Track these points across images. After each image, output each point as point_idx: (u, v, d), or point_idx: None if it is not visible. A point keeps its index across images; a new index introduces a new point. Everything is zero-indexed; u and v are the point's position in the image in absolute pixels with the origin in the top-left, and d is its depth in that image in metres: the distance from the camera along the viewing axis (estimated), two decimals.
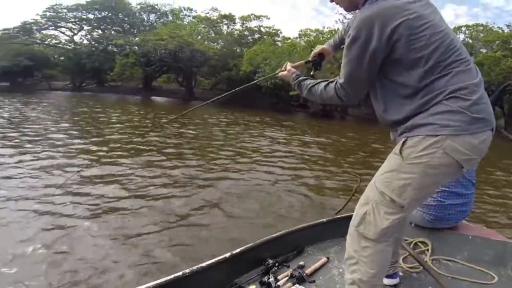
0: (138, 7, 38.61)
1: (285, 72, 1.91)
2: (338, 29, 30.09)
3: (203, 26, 33.40)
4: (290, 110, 26.08)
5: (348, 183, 6.79)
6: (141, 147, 9.00)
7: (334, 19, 34.55)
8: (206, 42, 30.86)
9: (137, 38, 31.28)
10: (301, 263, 2.25)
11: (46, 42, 37.83)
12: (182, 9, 39.45)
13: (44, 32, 37.27)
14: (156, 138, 10.35)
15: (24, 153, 7.55)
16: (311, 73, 1.95)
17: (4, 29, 34.67)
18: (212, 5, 54.17)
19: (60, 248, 3.55)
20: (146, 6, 38.43)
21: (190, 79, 32.43)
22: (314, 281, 2.05)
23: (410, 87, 1.41)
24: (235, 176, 6.88)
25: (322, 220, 2.68)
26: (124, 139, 10.28)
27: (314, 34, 28.18)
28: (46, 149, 8.15)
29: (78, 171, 6.36)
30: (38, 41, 37.23)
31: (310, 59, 2.06)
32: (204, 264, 1.92)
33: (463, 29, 26.58)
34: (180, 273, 1.80)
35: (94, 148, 8.80)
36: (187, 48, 28.04)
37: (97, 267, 3.24)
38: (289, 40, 29.41)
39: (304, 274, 2.09)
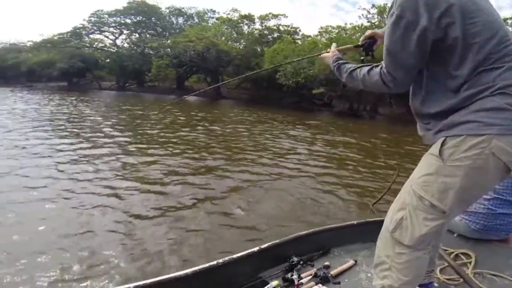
0: (167, 11, 36.46)
1: (326, 53, 1.60)
2: (362, 24, 27.46)
3: (225, 27, 30.59)
4: (313, 109, 22.58)
5: (377, 184, 5.83)
6: (174, 140, 8.88)
7: (357, 14, 31.41)
8: (229, 43, 28.30)
9: (168, 41, 29.27)
10: (327, 263, 1.98)
11: (94, 46, 36.54)
12: (206, 11, 36.86)
13: (91, 36, 36.35)
14: (185, 134, 10.16)
15: (81, 142, 8.01)
16: (362, 58, 1.56)
17: (59, 34, 34.63)
18: (232, 6, 51.84)
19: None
20: (174, 10, 36.18)
21: (217, 78, 29.62)
22: (338, 283, 1.83)
23: (456, 78, 1.12)
24: (259, 173, 6.22)
25: (352, 222, 2.38)
26: (158, 133, 10.07)
27: (336, 31, 24.29)
28: (97, 139, 8.51)
29: (118, 159, 6.47)
30: (87, 44, 36.15)
31: (360, 43, 1.60)
32: (234, 256, 1.81)
33: (509, 21, 22.13)
34: (214, 262, 1.73)
35: (134, 140, 8.84)
36: (213, 49, 25.63)
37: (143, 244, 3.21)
38: (310, 38, 25.66)
39: (329, 275, 1.84)
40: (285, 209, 4.54)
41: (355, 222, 2.42)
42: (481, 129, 1.06)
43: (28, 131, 9.10)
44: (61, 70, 33.31)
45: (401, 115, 18.07)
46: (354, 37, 22.25)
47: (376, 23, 22.76)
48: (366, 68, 1.32)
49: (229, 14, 31.43)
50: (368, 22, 22.48)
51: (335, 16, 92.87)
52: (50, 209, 4.05)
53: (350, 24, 24.43)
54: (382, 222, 1.39)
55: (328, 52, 1.60)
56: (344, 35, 23.10)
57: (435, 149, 1.18)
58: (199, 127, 11.75)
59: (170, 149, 7.85)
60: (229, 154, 7.86)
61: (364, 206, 4.68)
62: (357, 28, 22.59)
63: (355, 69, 1.38)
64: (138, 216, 3.97)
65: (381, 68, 1.25)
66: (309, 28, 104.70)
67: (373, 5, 22.58)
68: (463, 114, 1.10)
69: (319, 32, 25.88)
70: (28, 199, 4.27)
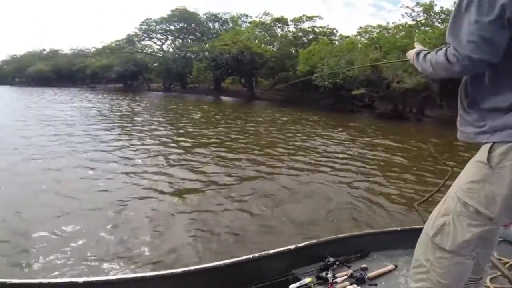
0: (205, 17, 33.26)
1: (411, 51, 1.18)
2: (406, 23, 22.92)
3: (258, 30, 26.75)
4: (353, 110, 17.92)
5: (422, 192, 4.22)
6: (212, 139, 7.96)
7: (399, 13, 26.65)
8: (263, 45, 24.48)
9: (207, 45, 26.18)
10: (364, 265, 1.62)
11: (144, 51, 34.74)
12: (239, 15, 32.89)
13: (142, 42, 34.52)
14: (222, 130, 9.41)
15: (132, 138, 7.70)
16: None
17: (116, 41, 34.04)
18: (265, 10, 47.04)
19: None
20: (211, 16, 33.03)
21: (251, 80, 26.32)
22: (375, 285, 1.51)
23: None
24: (297, 175, 5.15)
25: (395, 228, 2.04)
26: (198, 130, 9.41)
27: (377, 31, 19.15)
28: (146, 134, 8.30)
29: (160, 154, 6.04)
30: (139, 50, 34.45)
31: None
32: (270, 252, 1.59)
33: None
34: (250, 256, 1.55)
35: (177, 137, 8.15)
36: (247, 52, 22.13)
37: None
38: (348, 38, 20.85)
39: (366, 277, 1.52)
40: (321, 212, 3.65)
41: (398, 228, 2.01)
42: None
43: (92, 124, 9.44)
44: (118, 73, 32.38)
45: (452, 118, 13.73)
46: (398, 36, 18.08)
47: (422, 21, 18.34)
48: (434, 50, 1.03)
49: (261, 18, 27.35)
50: (412, 20, 18.02)
51: (376, 15, 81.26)
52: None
53: (393, 23, 20.10)
54: None
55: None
56: (387, 34, 18.93)
57: (482, 155, 0.96)
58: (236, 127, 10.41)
59: (208, 146, 7.04)
60: (262, 154, 6.55)
61: (405, 213, 3.64)
62: (401, 27, 18.20)
63: (429, 51, 1.07)
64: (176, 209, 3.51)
65: (446, 47, 0.95)
66: (347, 29, 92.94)
67: (418, 3, 18.10)
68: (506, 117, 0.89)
69: (358, 32, 20.66)
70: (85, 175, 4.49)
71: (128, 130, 8.99)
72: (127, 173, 4.67)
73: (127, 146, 6.69)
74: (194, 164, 5.47)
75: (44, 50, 47.48)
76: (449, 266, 1.05)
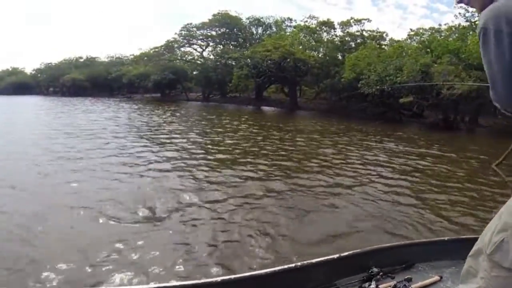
0: (248, 21, 36.18)
1: None
2: (459, 24, 24.30)
3: (303, 35, 28.99)
4: (401, 120, 19.87)
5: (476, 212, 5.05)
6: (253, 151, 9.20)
7: (454, 13, 27.78)
8: (307, 51, 26.66)
9: (248, 51, 28.77)
10: (408, 276, 1.85)
11: (183, 58, 38.05)
12: (283, 19, 35.65)
13: (182, 49, 37.84)
14: (267, 143, 10.70)
15: (165, 146, 9.54)
16: None
17: (155, 48, 37.14)
18: (310, 14, 49.61)
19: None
20: (254, 20, 35.90)
21: (294, 88, 28.58)
22: None
23: None
24: (348, 184, 6.23)
25: (442, 238, 2.33)
26: (237, 143, 10.79)
27: (429, 33, 21.18)
28: (180, 144, 9.96)
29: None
30: (178, 57, 37.80)
31: None
32: (313, 261, 1.81)
33: None
34: (292, 265, 1.77)
35: (208, 152, 9.32)
36: (290, 58, 24.37)
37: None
38: (398, 42, 23.01)
39: None
40: (366, 223, 4.47)
41: (445, 238, 2.29)
42: None
43: (125, 135, 11.37)
44: (155, 81, 35.95)
45: (508, 126, 15.41)
46: (451, 38, 20.06)
47: (477, 23, 20.18)
48: None
49: (306, 21, 29.87)
50: (466, 21, 19.90)
51: (429, 18, 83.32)
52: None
53: (445, 24, 22.00)
54: (474, 239, 1.32)
55: None
56: (439, 37, 20.94)
57: None
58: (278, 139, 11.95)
59: (247, 157, 8.33)
60: (304, 164, 7.92)
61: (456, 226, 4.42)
62: (454, 29, 20.21)
63: None
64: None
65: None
66: (398, 32, 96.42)
67: None
68: None
69: (408, 35, 22.91)
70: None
71: (164, 138, 10.85)
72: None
73: (157, 160, 7.78)
74: (232, 179, 6.33)
75: (80, 58, 52.87)
76: (506, 285, 1.16)
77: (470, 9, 19.63)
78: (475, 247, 1.31)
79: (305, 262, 1.81)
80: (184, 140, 10.82)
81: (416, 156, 9.66)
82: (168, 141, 10.56)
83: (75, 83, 44.56)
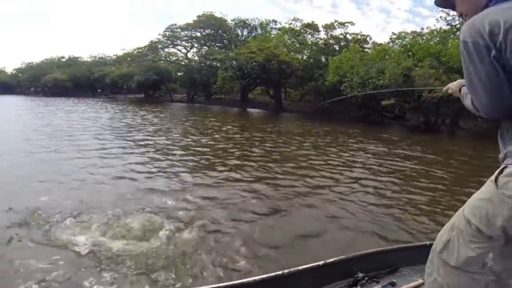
0: (233, 23, 36.14)
1: (450, 84, 1.59)
2: (440, 28, 24.77)
3: (288, 37, 29.19)
4: (384, 122, 20.08)
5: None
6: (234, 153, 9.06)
7: (435, 17, 28.33)
8: (292, 53, 26.74)
9: (232, 53, 28.79)
10: (393, 281, 1.93)
11: (167, 59, 37.84)
12: (268, 21, 35.69)
13: (166, 50, 37.72)
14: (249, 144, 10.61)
15: (146, 145, 9.60)
16: None
17: (138, 48, 36.89)
18: (294, 16, 49.63)
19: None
20: (239, 22, 35.84)
21: (279, 91, 28.61)
22: None
23: None
24: (325, 185, 6.25)
25: (424, 242, 2.28)
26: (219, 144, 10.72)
27: (411, 37, 21.47)
28: (158, 145, 9.84)
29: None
30: (162, 58, 37.61)
31: None
32: (300, 268, 1.84)
33: None
34: (279, 272, 1.79)
35: (184, 150, 9.40)
36: (274, 60, 24.44)
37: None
38: (380, 46, 23.24)
39: None
40: (350, 226, 4.46)
41: (427, 242, 2.25)
42: None
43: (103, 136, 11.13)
44: (138, 82, 35.58)
45: (487, 129, 15.61)
46: (432, 42, 20.32)
47: (458, 26, 20.42)
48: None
49: (291, 24, 29.97)
50: (447, 25, 20.21)
51: (411, 22, 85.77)
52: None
53: (427, 28, 22.31)
54: None
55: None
56: (420, 41, 21.19)
57: (493, 176, 1.17)
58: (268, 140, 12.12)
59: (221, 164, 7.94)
60: (284, 166, 7.88)
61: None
62: (435, 33, 20.50)
63: (467, 92, 1.34)
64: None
65: None
66: (382, 35, 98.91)
67: None
68: None
69: (390, 39, 23.29)
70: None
71: (144, 137, 11.00)
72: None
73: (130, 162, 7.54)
74: (211, 182, 6.23)
75: (63, 57, 52.16)
76: (459, 283, 1.24)
77: (451, 13, 19.96)
78: (432, 249, 1.38)
79: (291, 269, 1.82)
80: (163, 141, 10.79)
81: (395, 158, 9.79)
82: (143, 142, 10.46)
83: (57, 83, 43.92)
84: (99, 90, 44.92)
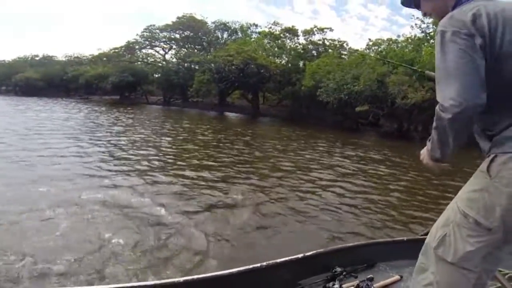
0: (213, 25, 36.02)
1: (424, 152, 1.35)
2: (415, 36, 25.34)
3: (267, 41, 29.25)
4: (358, 129, 20.36)
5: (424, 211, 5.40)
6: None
7: (410, 25, 28.84)
8: (271, 57, 26.81)
9: (209, 56, 28.66)
10: (371, 276, 1.91)
11: (145, 60, 37.18)
12: (249, 25, 35.86)
13: (143, 51, 37.05)
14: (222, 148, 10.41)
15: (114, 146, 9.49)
16: None
17: (114, 48, 35.95)
18: (274, 20, 50.09)
19: None
20: (219, 24, 35.78)
21: (257, 95, 28.57)
22: None
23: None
24: (304, 191, 6.22)
25: (401, 238, 2.38)
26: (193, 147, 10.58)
27: (386, 44, 21.88)
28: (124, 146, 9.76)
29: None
30: (139, 59, 36.94)
31: None
32: (278, 261, 1.83)
33: None
34: (258, 265, 1.77)
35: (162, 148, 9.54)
36: (253, 63, 24.44)
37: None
38: (358, 52, 23.45)
39: (372, 287, 1.82)
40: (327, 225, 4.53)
41: (404, 238, 2.36)
42: None
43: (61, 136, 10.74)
44: (113, 83, 34.44)
45: None
46: (407, 49, 20.62)
47: (431, 33, 20.81)
48: None
49: (270, 27, 30.15)
50: (422, 32, 20.65)
51: (388, 30, 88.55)
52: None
53: (403, 35, 22.67)
54: None
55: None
56: (396, 48, 21.48)
57: (483, 165, 1.16)
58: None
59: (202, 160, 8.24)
60: (257, 168, 7.92)
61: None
62: (410, 40, 20.86)
63: None
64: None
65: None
66: (360, 42, 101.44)
67: None
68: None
69: (367, 45, 23.89)
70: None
71: (114, 139, 10.79)
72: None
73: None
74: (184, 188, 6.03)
75: (36, 56, 50.76)
76: (452, 280, 1.23)
77: (426, 20, 20.34)
78: (425, 244, 1.37)
79: (270, 262, 1.81)
80: (131, 143, 10.60)
81: (359, 161, 10.03)
82: (107, 143, 10.21)
83: (29, 82, 42.54)
84: (73, 91, 43.59)
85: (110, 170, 6.73)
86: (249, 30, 35.27)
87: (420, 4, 1.41)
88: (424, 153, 1.36)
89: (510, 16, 1.12)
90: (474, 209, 1.16)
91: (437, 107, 1.14)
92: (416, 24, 20.70)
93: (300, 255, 1.92)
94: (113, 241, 3.65)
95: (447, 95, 1.10)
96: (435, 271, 1.28)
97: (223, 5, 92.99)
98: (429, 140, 1.28)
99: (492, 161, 1.13)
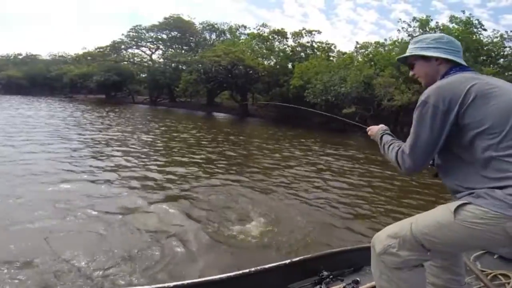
0: (201, 26, 36.12)
1: (375, 126, 1.75)
2: (402, 39, 25.77)
3: (256, 43, 29.21)
4: (346, 130, 20.22)
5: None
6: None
7: (397, 28, 29.29)
8: (259, 59, 26.86)
9: (196, 56, 28.61)
10: (357, 279, 2.00)
11: (130, 60, 37.02)
12: (237, 26, 35.82)
13: (129, 51, 36.83)
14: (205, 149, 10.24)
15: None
16: None
17: (99, 47, 35.36)
18: (263, 22, 50.32)
19: None
20: (207, 25, 35.90)
21: (245, 95, 28.58)
22: None
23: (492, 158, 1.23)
24: (294, 192, 6.17)
25: None
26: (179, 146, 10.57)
27: (373, 47, 22.19)
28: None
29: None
30: (125, 59, 36.73)
31: None
32: (266, 266, 1.89)
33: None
34: (246, 270, 1.83)
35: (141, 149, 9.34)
36: (241, 64, 24.47)
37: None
38: (346, 54, 23.79)
39: None
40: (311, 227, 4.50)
41: None
42: (507, 210, 1.15)
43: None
44: (97, 82, 34.51)
45: None
46: (394, 52, 20.93)
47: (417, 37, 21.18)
48: (395, 144, 1.49)
49: (259, 29, 30.35)
50: (408, 36, 20.99)
51: (376, 34, 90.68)
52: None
53: (389, 38, 23.04)
54: None
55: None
56: (383, 51, 21.77)
57: (453, 205, 1.27)
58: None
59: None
60: (242, 170, 7.87)
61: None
62: (397, 43, 21.18)
63: (390, 144, 1.51)
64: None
65: (400, 148, 1.42)
66: (348, 45, 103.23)
67: (414, 18, 20.93)
68: (496, 191, 1.19)
69: (355, 48, 24.12)
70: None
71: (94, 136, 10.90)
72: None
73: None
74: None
75: (20, 54, 50.39)
76: (402, 277, 1.41)
77: (413, 24, 20.63)
78: (371, 248, 1.50)
79: (258, 267, 1.86)
80: (107, 141, 10.52)
81: (340, 159, 10.30)
82: (82, 141, 10.15)
83: (11, 81, 42.36)
84: (58, 90, 42.93)
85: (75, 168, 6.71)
86: (238, 32, 35.29)
87: (414, 67, 1.55)
88: (373, 132, 1.72)
89: (490, 94, 1.25)
90: (426, 236, 1.32)
91: (401, 149, 1.40)
92: (402, 28, 20.97)
93: (287, 261, 1.98)
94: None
95: (407, 161, 1.37)
96: (384, 272, 1.45)
97: (213, 7, 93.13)
98: (387, 144, 1.53)
99: (463, 205, 1.24)
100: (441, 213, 1.32)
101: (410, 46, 1.58)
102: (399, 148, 1.41)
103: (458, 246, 1.34)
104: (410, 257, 1.36)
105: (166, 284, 1.59)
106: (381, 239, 1.45)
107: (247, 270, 1.82)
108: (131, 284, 2.85)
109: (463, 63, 1.45)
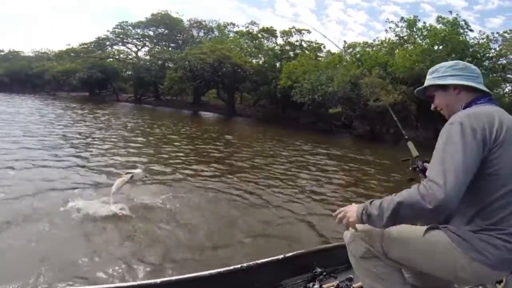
0: (188, 23, 35.70)
1: (353, 206, 1.41)
2: (389, 39, 25.87)
3: (244, 41, 28.96)
4: (332, 130, 20.66)
5: None
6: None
7: (385, 28, 29.15)
8: (247, 57, 26.70)
9: (182, 53, 28.08)
10: (350, 276, 2.00)
11: (115, 57, 36.28)
12: (226, 24, 35.46)
13: (115, 47, 36.14)
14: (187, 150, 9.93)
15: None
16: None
17: (83, 44, 34.40)
18: (251, 20, 49.78)
19: None
20: (195, 22, 35.52)
21: (233, 94, 28.42)
22: None
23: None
24: (282, 197, 5.97)
25: None
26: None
27: (361, 47, 22.22)
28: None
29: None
30: (110, 55, 35.98)
31: None
32: (259, 262, 1.88)
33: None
34: (238, 266, 1.81)
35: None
36: (228, 63, 24.25)
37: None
38: (335, 54, 23.05)
39: (351, 287, 1.92)
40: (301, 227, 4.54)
41: None
42: (470, 250, 1.21)
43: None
44: (80, 79, 33.82)
45: (427, 140, 16.21)
46: (381, 52, 20.96)
47: (405, 37, 21.24)
48: (392, 196, 1.25)
49: (248, 27, 30.22)
50: (396, 36, 21.07)
51: (365, 35, 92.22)
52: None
53: (377, 38, 23.11)
54: None
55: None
56: (371, 52, 21.79)
57: (426, 227, 1.33)
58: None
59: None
60: (223, 170, 7.63)
61: None
62: (385, 44, 21.24)
63: (385, 200, 1.27)
64: None
65: (410, 189, 1.21)
66: (334, 46, 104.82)
67: (402, 18, 21.04)
68: (469, 233, 1.23)
69: (343, 47, 24.28)
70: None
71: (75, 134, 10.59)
72: None
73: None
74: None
75: (2, 51, 49.09)
76: (366, 266, 1.49)
77: (400, 24, 20.70)
78: (344, 236, 1.60)
79: (251, 263, 1.85)
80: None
81: (323, 158, 10.30)
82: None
83: None
84: (40, 87, 42.11)
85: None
86: (226, 30, 35.05)
87: (435, 98, 1.49)
88: (351, 210, 1.38)
89: None
90: (390, 245, 1.39)
91: (421, 184, 1.17)
92: (390, 28, 21.05)
93: (280, 256, 1.97)
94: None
95: (437, 189, 1.11)
96: (353, 262, 1.56)
97: (204, 5, 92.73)
98: (370, 204, 1.30)
99: (433, 228, 1.31)
100: (413, 229, 1.38)
101: (427, 77, 1.52)
102: (413, 187, 1.19)
103: (411, 262, 1.39)
104: (370, 249, 1.45)
105: (153, 281, 1.56)
106: (349, 232, 1.52)
107: (238, 266, 1.81)
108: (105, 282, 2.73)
109: (485, 89, 1.39)
